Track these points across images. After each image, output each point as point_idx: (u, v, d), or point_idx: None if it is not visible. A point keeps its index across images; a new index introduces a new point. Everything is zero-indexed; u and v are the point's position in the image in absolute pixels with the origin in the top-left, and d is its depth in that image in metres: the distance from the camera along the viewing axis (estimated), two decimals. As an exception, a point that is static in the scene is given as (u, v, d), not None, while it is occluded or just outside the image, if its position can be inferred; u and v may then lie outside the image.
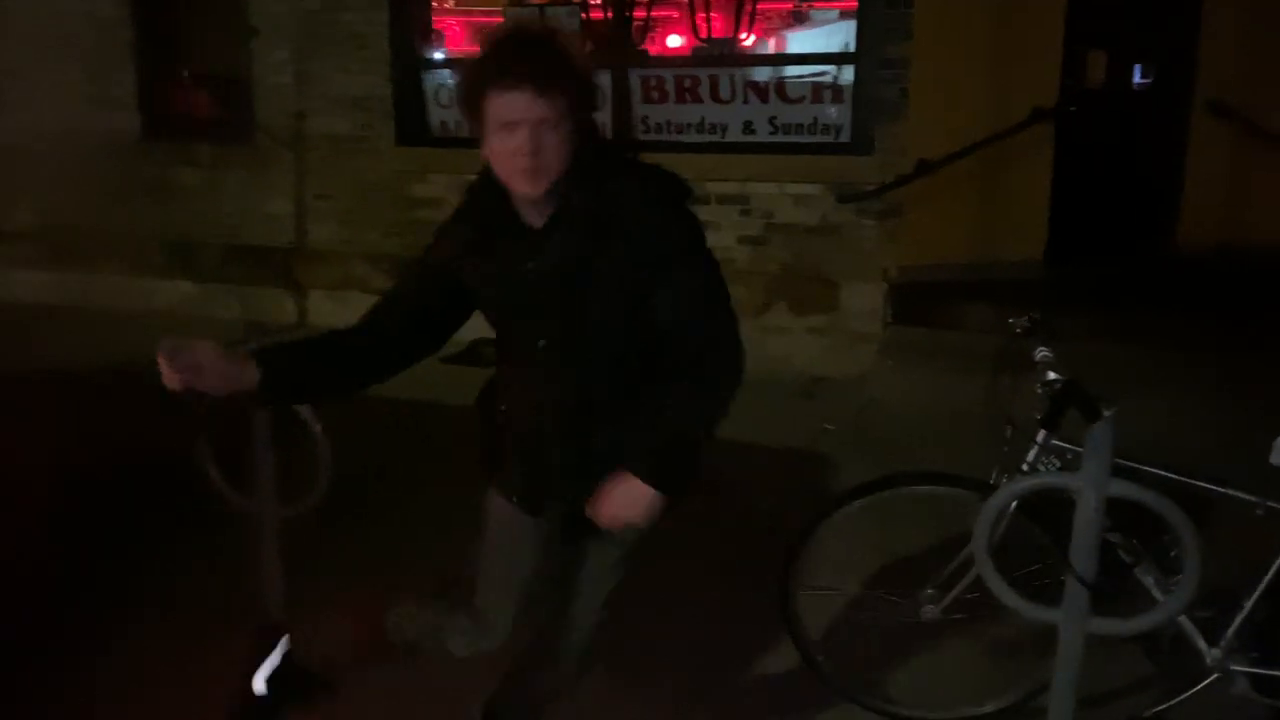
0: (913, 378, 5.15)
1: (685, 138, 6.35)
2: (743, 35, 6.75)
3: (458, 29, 7.30)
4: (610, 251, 1.90)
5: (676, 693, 2.95)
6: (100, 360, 2.86)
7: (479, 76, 1.82)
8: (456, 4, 7.35)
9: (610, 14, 6.52)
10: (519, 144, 1.80)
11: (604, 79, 6.28)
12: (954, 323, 5.52)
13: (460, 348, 3.56)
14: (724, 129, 6.31)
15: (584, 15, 6.54)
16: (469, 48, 7.24)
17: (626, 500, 1.97)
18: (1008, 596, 2.14)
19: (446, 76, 6.81)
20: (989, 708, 2.80)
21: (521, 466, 2.16)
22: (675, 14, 6.88)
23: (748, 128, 6.27)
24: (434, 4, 7.04)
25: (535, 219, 1.94)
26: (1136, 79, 6.55)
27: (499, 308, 2.06)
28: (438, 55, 7.00)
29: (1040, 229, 6.32)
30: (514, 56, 1.80)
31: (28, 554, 3.48)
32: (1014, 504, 2.53)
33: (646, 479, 1.95)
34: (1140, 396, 2.93)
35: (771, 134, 6.23)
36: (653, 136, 6.36)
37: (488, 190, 1.95)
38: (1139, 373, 4.58)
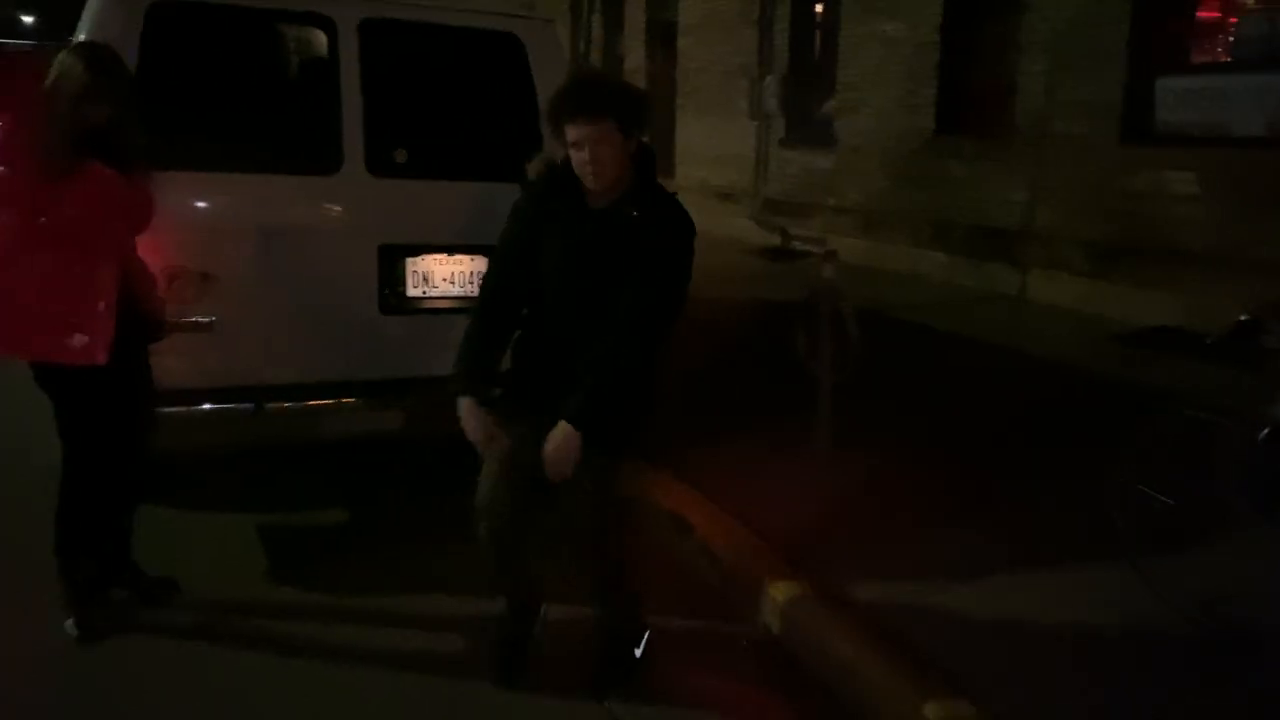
0: None
1: None
2: None
3: (1192, 38, 7.64)
4: (644, 235, 2.66)
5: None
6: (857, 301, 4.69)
7: (556, 111, 2.66)
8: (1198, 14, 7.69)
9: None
10: (584, 156, 2.62)
11: None
12: None
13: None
14: None
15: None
16: (1200, 55, 7.56)
17: (564, 446, 2.62)
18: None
19: (1176, 83, 7.34)
20: None
21: (538, 376, 2.82)
22: None
23: None
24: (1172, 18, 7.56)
25: (599, 203, 2.71)
26: None
27: (556, 258, 2.74)
28: (1171, 62, 7.51)
29: None
30: (575, 96, 2.65)
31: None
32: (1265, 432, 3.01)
33: (578, 425, 2.61)
34: None
35: None
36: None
37: (568, 177, 2.72)
38: None
